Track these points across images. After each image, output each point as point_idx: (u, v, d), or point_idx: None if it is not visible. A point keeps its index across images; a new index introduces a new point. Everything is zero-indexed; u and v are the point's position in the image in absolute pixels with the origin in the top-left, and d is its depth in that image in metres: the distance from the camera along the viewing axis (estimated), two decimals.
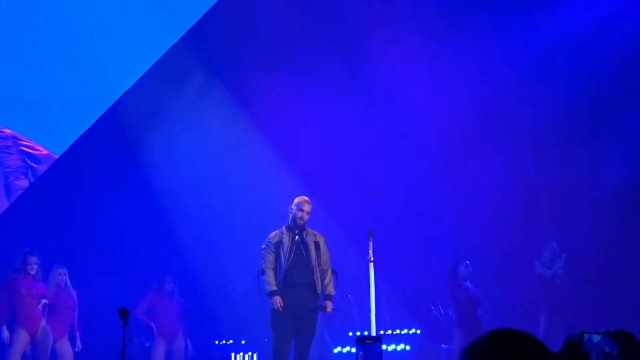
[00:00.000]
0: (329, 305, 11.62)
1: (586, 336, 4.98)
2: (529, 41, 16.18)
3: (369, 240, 11.51)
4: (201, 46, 16.27)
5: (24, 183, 15.83)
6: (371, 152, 16.43)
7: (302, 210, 11.62)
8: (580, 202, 16.26)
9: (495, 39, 16.09)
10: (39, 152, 15.82)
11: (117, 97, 16.14)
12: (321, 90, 16.15)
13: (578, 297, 15.50)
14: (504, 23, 16.04)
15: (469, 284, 14.41)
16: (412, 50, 16.11)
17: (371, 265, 11.38)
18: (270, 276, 11.44)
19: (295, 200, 11.76)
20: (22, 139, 15.78)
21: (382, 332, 14.80)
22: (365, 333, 13.57)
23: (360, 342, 9.63)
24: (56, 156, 15.98)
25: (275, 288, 11.41)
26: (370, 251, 11.43)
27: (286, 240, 11.55)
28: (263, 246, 11.66)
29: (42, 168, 15.89)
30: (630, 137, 16.27)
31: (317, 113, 16.29)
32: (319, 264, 11.59)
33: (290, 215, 11.68)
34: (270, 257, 11.50)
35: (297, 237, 11.59)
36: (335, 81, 16.12)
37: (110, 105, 16.10)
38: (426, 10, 15.92)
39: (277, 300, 11.36)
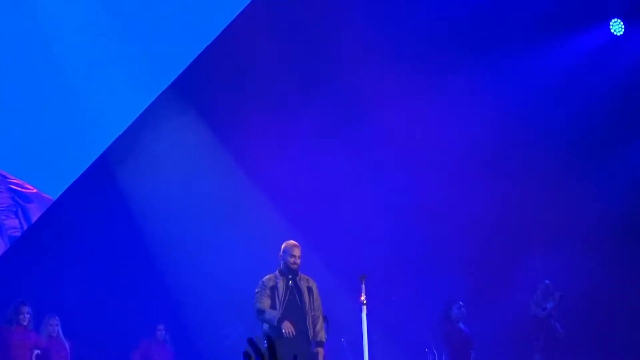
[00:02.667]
0: (321, 353, 11.52)
1: None
2: (520, 80, 16.27)
3: (362, 283, 11.48)
4: (190, 93, 16.27)
5: (14, 222, 15.71)
6: (361, 194, 16.41)
7: (294, 256, 11.51)
8: (575, 241, 16.25)
9: (487, 79, 16.17)
10: (29, 190, 15.70)
11: (108, 142, 16.11)
12: (310, 132, 16.15)
13: (573, 337, 15.45)
14: (496, 64, 16.13)
15: (462, 325, 14.39)
16: (402, 92, 16.15)
17: (364, 308, 11.34)
18: (271, 312, 11.32)
19: (283, 246, 11.64)
20: (9, 177, 15.64)
21: None
22: None
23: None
24: (46, 195, 15.88)
25: (280, 315, 11.29)
26: (362, 294, 11.40)
27: (280, 285, 11.47)
28: (257, 290, 11.54)
29: (32, 207, 15.77)
30: (625, 174, 16.34)
31: (307, 156, 16.28)
32: (312, 309, 11.50)
33: (282, 262, 11.57)
34: (266, 301, 11.40)
35: (290, 282, 11.51)
36: (325, 124, 16.15)
37: (100, 148, 16.08)
38: (417, 53, 15.99)
39: (287, 326, 11.22)
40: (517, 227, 16.55)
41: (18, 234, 15.78)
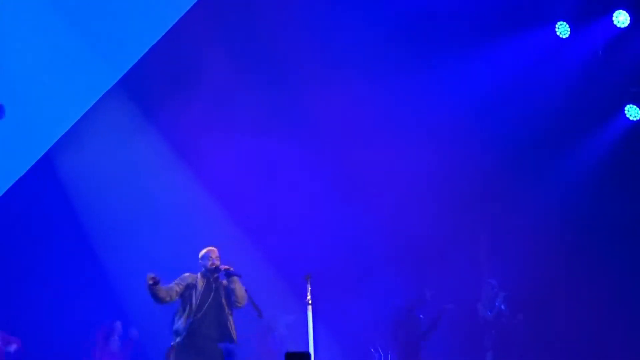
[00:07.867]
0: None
1: None
2: (465, 82, 16.35)
3: (307, 283, 11.58)
4: (134, 90, 16.27)
5: None
6: (309, 193, 16.47)
7: (211, 258, 11.78)
8: (520, 240, 16.41)
9: (432, 81, 16.27)
10: None
11: (51, 143, 16.14)
12: (258, 128, 16.18)
13: (523, 334, 15.63)
14: (440, 66, 16.23)
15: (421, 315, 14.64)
16: (351, 90, 16.24)
17: (309, 308, 11.44)
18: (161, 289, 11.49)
19: (201, 255, 11.90)
20: None
21: None
22: None
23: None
24: None
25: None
26: (308, 294, 11.50)
27: (200, 285, 11.67)
28: (175, 280, 11.74)
29: None
30: (570, 173, 16.52)
31: (253, 151, 16.32)
32: (233, 303, 11.69)
33: (203, 267, 11.82)
34: (172, 294, 11.57)
35: (213, 283, 11.72)
36: (273, 122, 16.19)
37: (44, 151, 16.10)
38: (361, 56, 16.08)
39: (150, 277, 11.40)
40: (465, 228, 16.70)
41: None
